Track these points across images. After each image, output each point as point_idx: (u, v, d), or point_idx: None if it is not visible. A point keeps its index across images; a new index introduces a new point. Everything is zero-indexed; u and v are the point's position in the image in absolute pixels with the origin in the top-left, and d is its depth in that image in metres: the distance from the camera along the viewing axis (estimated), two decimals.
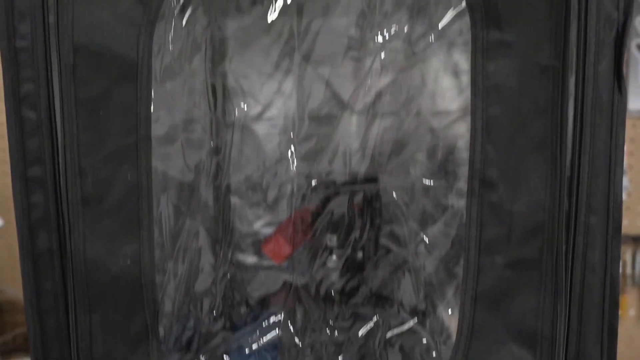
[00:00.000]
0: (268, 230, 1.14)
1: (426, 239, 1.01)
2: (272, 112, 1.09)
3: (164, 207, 0.94)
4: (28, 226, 0.80)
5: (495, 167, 0.74)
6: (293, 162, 1.03)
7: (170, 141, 0.94)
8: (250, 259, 1.15)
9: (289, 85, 1.06)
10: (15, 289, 2.36)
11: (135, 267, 0.79)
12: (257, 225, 1.15)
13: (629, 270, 2.39)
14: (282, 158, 1.05)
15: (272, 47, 1.06)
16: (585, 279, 0.76)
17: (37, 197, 0.80)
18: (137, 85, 0.76)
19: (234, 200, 1.11)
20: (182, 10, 0.90)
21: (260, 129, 1.08)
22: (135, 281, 0.79)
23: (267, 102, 1.10)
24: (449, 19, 0.91)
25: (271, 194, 1.10)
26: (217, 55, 1.08)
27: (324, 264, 1.05)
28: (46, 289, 0.81)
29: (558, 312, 0.75)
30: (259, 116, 1.09)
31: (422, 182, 1.02)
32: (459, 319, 0.78)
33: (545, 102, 0.72)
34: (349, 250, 1.04)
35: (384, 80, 0.99)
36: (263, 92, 1.09)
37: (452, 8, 0.90)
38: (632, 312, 2.45)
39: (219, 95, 1.07)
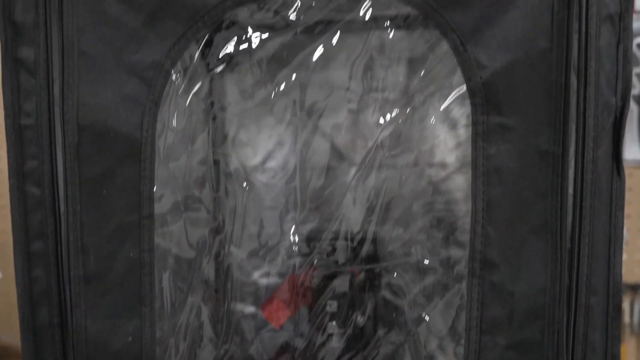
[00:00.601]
0: (266, 281, 1.12)
1: (427, 317, 1.01)
2: (274, 168, 1.09)
3: (165, 284, 0.94)
4: (29, 300, 0.80)
5: (496, 248, 0.74)
6: (295, 239, 1.03)
7: (172, 219, 0.94)
8: (248, 309, 1.14)
9: (290, 140, 1.06)
10: (10, 336, 2.34)
11: (137, 343, 0.79)
12: (256, 275, 1.13)
13: (627, 319, 2.36)
14: (284, 235, 1.05)
15: (275, 104, 1.06)
16: (586, 358, 0.76)
17: (39, 271, 0.80)
18: (141, 165, 0.77)
19: (234, 251, 1.11)
20: (186, 91, 0.91)
21: (264, 191, 1.08)
22: (136, 358, 0.79)
23: (268, 155, 1.10)
24: (450, 102, 0.92)
25: (273, 267, 1.09)
26: (220, 134, 1.08)
27: (327, 334, 1.04)
28: None
29: None
30: (258, 168, 1.09)
31: (423, 261, 1.02)
32: None
33: (545, 186, 0.72)
34: (350, 330, 1.03)
35: (384, 133, 1.00)
36: (265, 146, 1.09)
37: (453, 92, 0.91)
38: None
39: (222, 169, 1.08)
